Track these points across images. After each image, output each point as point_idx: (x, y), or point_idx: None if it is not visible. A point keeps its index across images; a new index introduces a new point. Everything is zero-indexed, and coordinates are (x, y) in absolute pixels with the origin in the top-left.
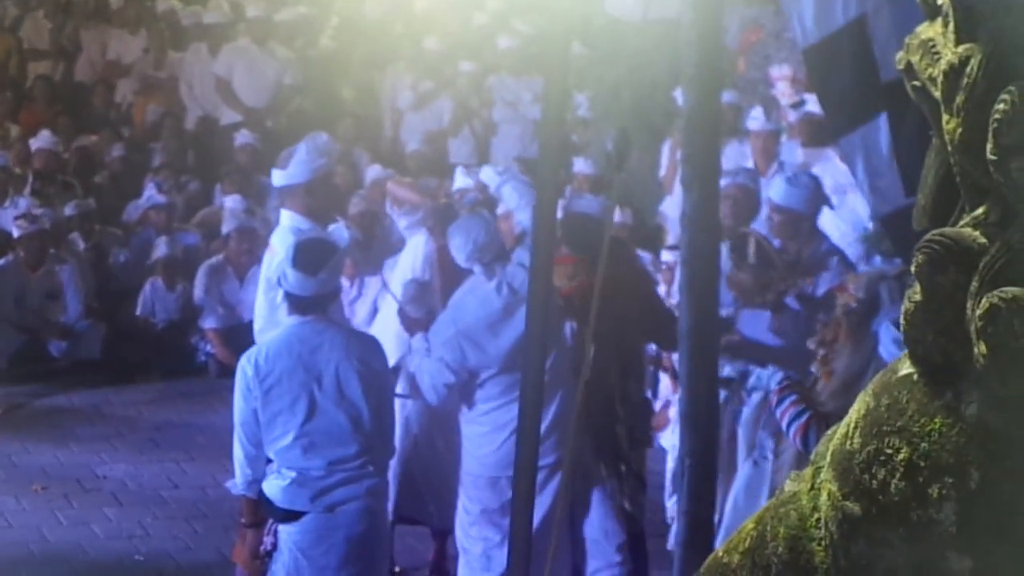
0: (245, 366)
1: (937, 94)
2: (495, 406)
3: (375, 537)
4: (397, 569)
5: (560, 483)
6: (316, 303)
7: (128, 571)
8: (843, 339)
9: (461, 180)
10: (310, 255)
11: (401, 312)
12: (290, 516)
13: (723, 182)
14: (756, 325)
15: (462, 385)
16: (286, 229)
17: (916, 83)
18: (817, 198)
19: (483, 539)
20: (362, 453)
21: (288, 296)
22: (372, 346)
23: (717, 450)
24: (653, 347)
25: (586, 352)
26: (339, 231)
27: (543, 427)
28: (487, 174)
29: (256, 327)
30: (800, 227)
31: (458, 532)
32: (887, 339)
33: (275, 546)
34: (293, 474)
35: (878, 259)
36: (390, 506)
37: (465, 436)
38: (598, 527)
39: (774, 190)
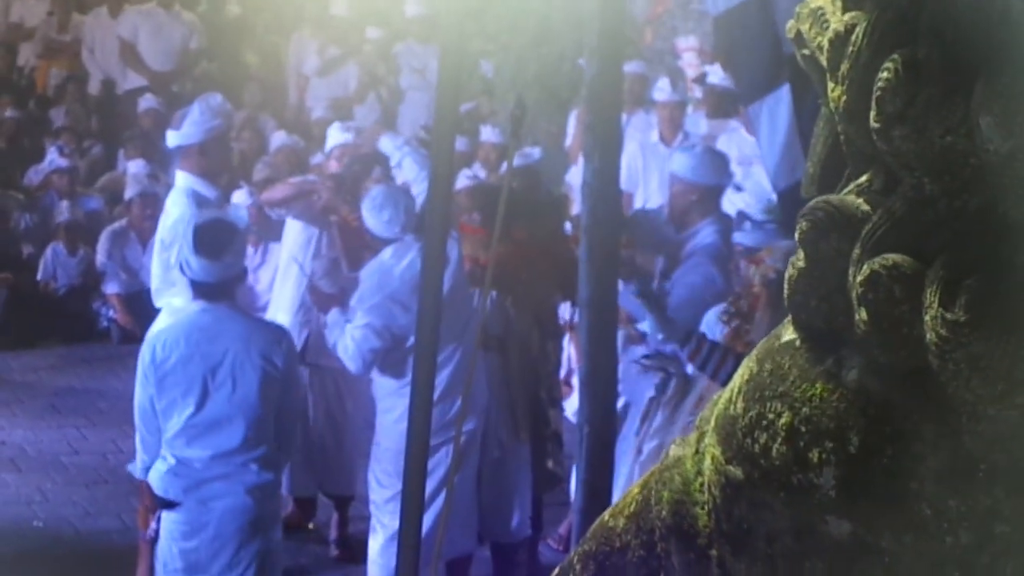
0: (144, 351)
1: (824, 62)
2: None
3: (251, 537)
4: (311, 526)
5: (476, 448)
6: (221, 288)
7: (27, 537)
8: (762, 310)
9: (338, 136)
10: (212, 239)
11: (313, 288)
12: (168, 504)
13: None
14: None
15: (386, 354)
16: (181, 190)
17: (805, 52)
18: (718, 172)
19: None
20: (247, 448)
21: (192, 283)
22: (277, 339)
23: (615, 419)
24: (566, 314)
25: (483, 312)
26: (237, 209)
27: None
28: (386, 144)
29: (153, 287)
30: (699, 201)
31: (373, 508)
32: None
33: (158, 533)
34: (173, 462)
35: (748, 225)
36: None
37: (384, 410)
38: (512, 493)
39: (675, 161)
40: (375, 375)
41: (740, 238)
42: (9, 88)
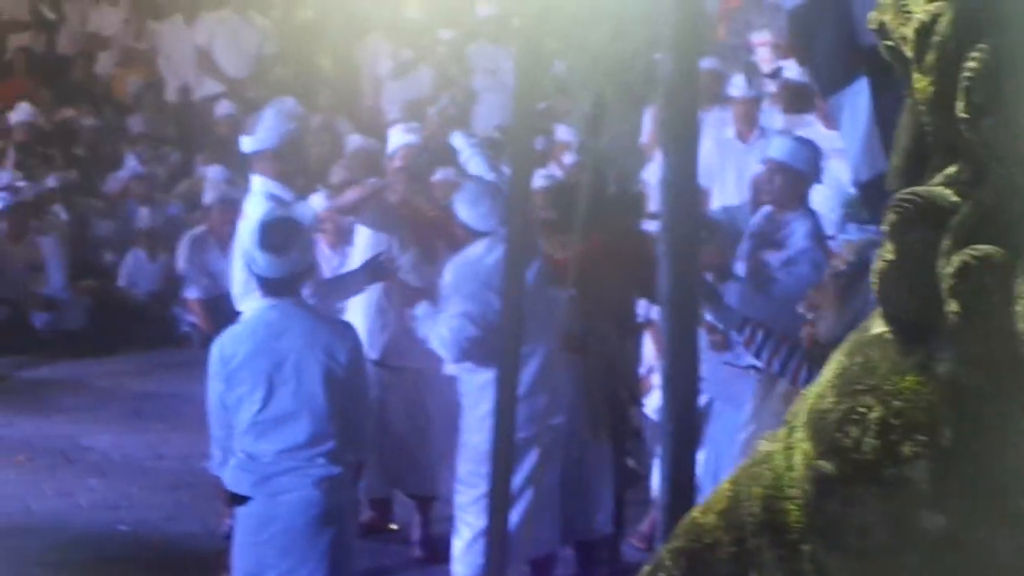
0: (214, 349)
1: (909, 53)
2: None
3: (320, 530)
4: (395, 527)
5: (561, 445)
6: (287, 284)
7: (112, 541)
8: (828, 303)
9: (401, 137)
10: (277, 235)
11: (400, 284)
12: (239, 499)
13: None
14: None
15: (480, 344)
16: (258, 194)
17: (889, 43)
18: (815, 163)
19: None
20: (314, 443)
21: (258, 278)
22: (341, 335)
23: (696, 415)
24: (643, 313)
25: (564, 311)
26: (304, 207)
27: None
28: (458, 140)
29: (234, 291)
30: (797, 190)
31: (457, 508)
32: None
33: (233, 528)
34: (243, 457)
35: (851, 227)
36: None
37: (469, 406)
38: (594, 491)
39: (775, 147)
40: (461, 372)
41: None
42: (87, 97)
